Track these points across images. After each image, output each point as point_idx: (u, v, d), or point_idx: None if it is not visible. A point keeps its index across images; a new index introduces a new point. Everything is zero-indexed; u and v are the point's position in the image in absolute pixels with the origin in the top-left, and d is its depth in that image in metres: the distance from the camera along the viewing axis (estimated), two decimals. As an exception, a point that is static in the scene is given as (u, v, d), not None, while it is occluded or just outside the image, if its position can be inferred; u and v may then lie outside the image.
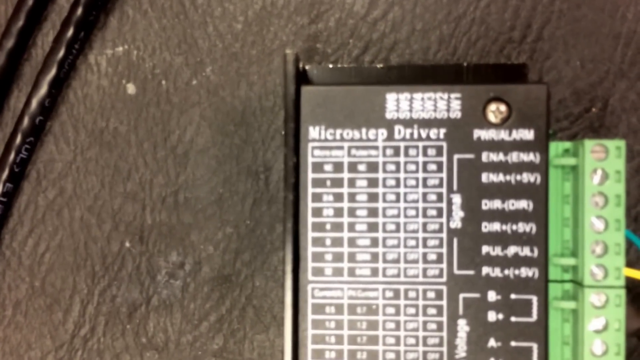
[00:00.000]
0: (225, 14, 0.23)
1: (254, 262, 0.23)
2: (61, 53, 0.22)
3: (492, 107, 0.19)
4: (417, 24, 0.22)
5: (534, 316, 0.18)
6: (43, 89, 0.22)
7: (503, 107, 0.18)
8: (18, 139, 0.22)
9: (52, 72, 0.22)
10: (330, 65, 0.21)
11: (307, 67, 0.20)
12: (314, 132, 0.19)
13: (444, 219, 0.19)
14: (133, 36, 0.23)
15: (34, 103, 0.22)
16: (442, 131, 0.19)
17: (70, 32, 0.22)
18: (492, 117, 0.19)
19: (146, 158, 0.23)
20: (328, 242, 0.19)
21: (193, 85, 0.23)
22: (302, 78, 0.20)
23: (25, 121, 0.22)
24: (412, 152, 0.19)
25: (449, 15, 0.22)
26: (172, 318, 0.23)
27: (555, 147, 0.19)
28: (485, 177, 0.19)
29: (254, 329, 0.23)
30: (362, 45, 0.23)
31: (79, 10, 0.22)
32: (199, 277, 0.23)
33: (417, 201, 0.19)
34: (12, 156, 0.22)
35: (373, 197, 0.19)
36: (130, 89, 0.23)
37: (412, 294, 0.19)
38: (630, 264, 0.20)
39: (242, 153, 0.23)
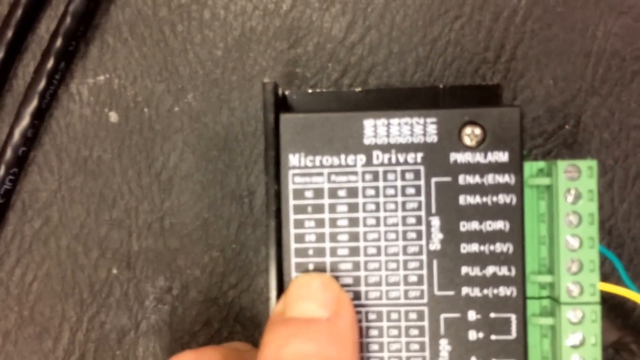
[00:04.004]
0: (205, 40, 0.23)
1: (240, 284, 0.23)
2: (42, 84, 0.22)
3: (468, 130, 0.19)
4: (394, 47, 0.23)
5: (513, 334, 0.19)
6: (25, 120, 0.23)
7: (478, 131, 0.19)
8: (1, 171, 0.23)
9: (34, 103, 0.22)
10: (310, 90, 0.21)
11: (286, 93, 0.21)
12: (294, 159, 0.19)
13: (423, 242, 0.19)
14: (114, 65, 0.23)
15: (17, 134, 0.23)
16: (420, 155, 0.19)
17: (50, 63, 0.22)
18: (467, 140, 0.19)
19: (131, 185, 0.23)
20: (311, 267, 0.19)
21: (175, 112, 0.23)
22: (281, 104, 0.20)
23: (8, 153, 0.23)
24: (390, 176, 0.19)
25: (424, 38, 0.23)
26: (162, 342, 0.23)
27: (530, 167, 0.19)
28: (463, 200, 0.19)
29: (242, 350, 0.23)
30: (341, 68, 0.23)
31: (59, 41, 0.23)
32: (186, 301, 0.23)
33: (396, 224, 0.19)
34: (-3, 188, 0.23)
35: (354, 222, 0.19)
36: (113, 117, 0.23)
37: (394, 316, 0.19)
38: (605, 276, 0.21)
39: (225, 178, 0.23)
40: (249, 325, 0.23)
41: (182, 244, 0.23)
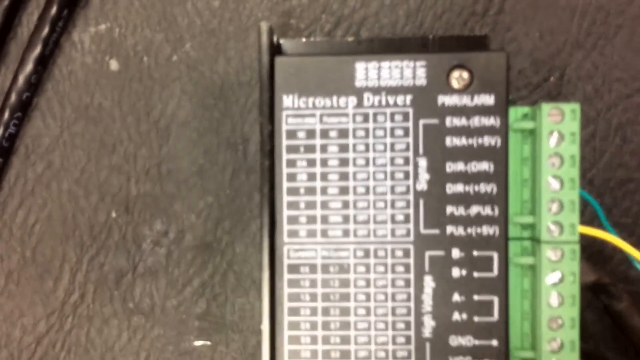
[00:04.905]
0: (203, -8, 0.24)
1: (234, 229, 0.24)
2: (45, 31, 0.23)
3: (455, 74, 0.20)
4: (387, -1, 0.24)
5: (495, 271, 0.20)
6: (29, 66, 0.23)
7: (465, 74, 0.20)
8: (6, 115, 0.23)
9: (37, 49, 0.23)
10: (304, 39, 0.22)
11: (281, 41, 0.21)
12: (287, 100, 0.20)
13: (410, 182, 0.20)
14: (115, 14, 0.24)
15: (21, 80, 0.23)
16: (409, 98, 0.20)
17: (53, 10, 0.23)
18: (455, 84, 0.20)
19: (130, 132, 0.24)
20: (302, 205, 0.20)
21: (173, 61, 0.24)
22: (276, 50, 0.21)
23: (13, 97, 0.23)
24: (380, 118, 0.20)
25: (416, -9, 0.23)
26: (158, 284, 0.24)
27: (515, 112, 0.20)
28: (449, 141, 0.20)
29: (235, 292, 0.24)
30: (334, 20, 0.24)
31: (62, -10, 0.23)
32: (182, 245, 0.24)
33: (385, 165, 0.20)
34: (0, 131, 0.23)
35: (344, 162, 0.20)
36: (113, 65, 0.24)
37: (381, 253, 0.20)
38: (585, 224, 0.22)
39: (221, 126, 0.24)
40: (241, 270, 0.24)
41: (178, 189, 0.24)
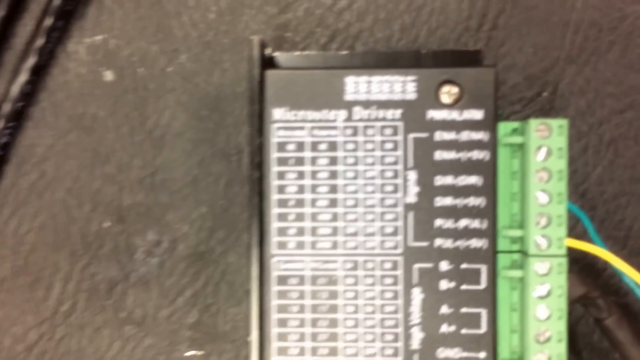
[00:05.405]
0: (199, 4, 0.24)
1: (227, 239, 0.24)
2: (41, 41, 0.23)
3: (445, 89, 0.20)
4: (381, 13, 0.24)
5: (483, 284, 0.20)
6: (23, 76, 0.23)
7: (455, 89, 0.20)
8: (1, 124, 0.23)
9: (32, 59, 0.23)
10: (298, 53, 0.22)
11: (275, 55, 0.21)
12: (277, 113, 0.20)
13: (399, 195, 0.20)
14: (111, 25, 0.24)
15: (15, 89, 0.23)
16: (399, 112, 0.20)
17: (49, 21, 0.23)
18: (444, 99, 0.20)
19: (124, 142, 0.24)
20: (291, 217, 0.20)
21: (168, 72, 0.24)
22: (268, 63, 0.21)
23: (7, 106, 0.23)
24: (370, 131, 0.20)
25: (410, 6, 0.24)
26: (150, 294, 0.24)
27: (504, 127, 0.20)
28: (438, 155, 0.20)
29: (227, 303, 0.24)
30: (329, 33, 0.24)
31: (58, 0, 0.23)
32: (175, 255, 0.24)
33: (374, 178, 0.20)
34: (-5, 140, 0.24)
35: (333, 175, 0.20)
36: (108, 76, 0.24)
37: (369, 265, 0.20)
38: (577, 237, 0.22)
39: (215, 136, 0.24)
40: (234, 280, 0.24)
41: (172, 199, 0.24)
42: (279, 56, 0.21)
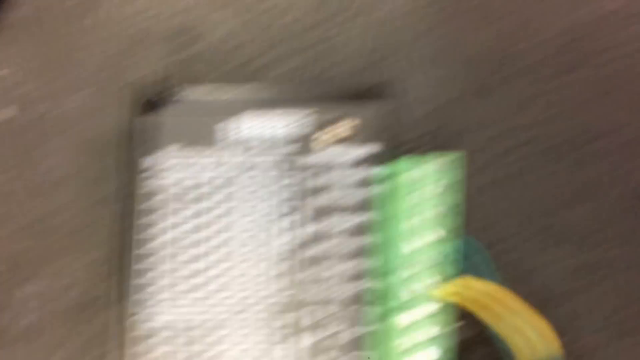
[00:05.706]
0: (92, 43, 0.23)
1: (116, 286, 0.23)
2: None
3: (342, 123, 0.19)
4: (282, 47, 0.23)
5: (351, 335, 0.18)
6: None
7: (351, 124, 0.19)
8: None
9: None
10: (201, 86, 0.21)
11: (177, 88, 0.20)
12: (147, 161, 0.19)
13: (278, 241, 0.19)
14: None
15: None
16: (287, 149, 0.19)
17: None
18: (341, 133, 0.19)
19: (12, 185, 0.23)
20: (156, 271, 0.19)
21: (54, 115, 0.23)
22: (155, 104, 0.20)
23: None
24: (247, 175, 0.19)
25: (313, 39, 0.23)
26: (29, 347, 0.23)
27: (401, 162, 0.19)
28: (325, 195, 0.19)
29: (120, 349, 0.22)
30: (238, 64, 0.23)
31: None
32: (63, 303, 0.23)
33: (249, 227, 0.19)
34: None
35: (203, 225, 0.19)
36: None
37: (244, 315, 0.19)
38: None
39: (105, 181, 0.23)
40: (124, 327, 0.23)
41: (60, 245, 0.23)
42: (177, 90, 0.20)
